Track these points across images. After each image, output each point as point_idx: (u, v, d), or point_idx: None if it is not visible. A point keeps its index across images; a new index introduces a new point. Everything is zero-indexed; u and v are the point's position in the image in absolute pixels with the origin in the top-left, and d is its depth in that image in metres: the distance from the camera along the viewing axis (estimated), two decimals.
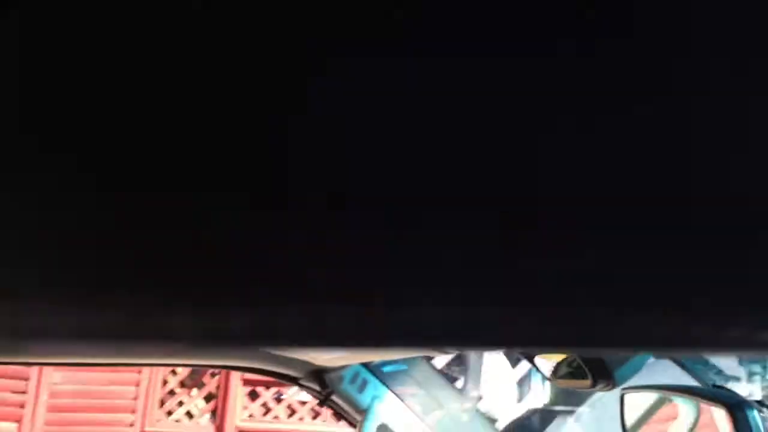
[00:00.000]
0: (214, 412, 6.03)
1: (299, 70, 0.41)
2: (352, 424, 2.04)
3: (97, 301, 0.40)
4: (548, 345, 0.72)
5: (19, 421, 5.78)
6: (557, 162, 0.41)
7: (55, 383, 5.89)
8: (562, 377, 1.35)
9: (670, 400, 1.51)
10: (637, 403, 1.59)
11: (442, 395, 4.70)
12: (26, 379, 5.80)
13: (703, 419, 1.39)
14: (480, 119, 0.41)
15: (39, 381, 5.84)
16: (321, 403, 1.89)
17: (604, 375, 1.23)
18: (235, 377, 5.91)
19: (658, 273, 0.41)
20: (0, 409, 5.73)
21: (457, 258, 0.40)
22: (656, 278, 0.41)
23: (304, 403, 5.85)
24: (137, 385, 6.02)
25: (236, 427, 5.91)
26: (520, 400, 5.71)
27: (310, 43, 0.41)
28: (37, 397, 5.83)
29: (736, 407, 1.19)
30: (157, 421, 6.01)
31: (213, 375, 6.04)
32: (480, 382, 5.53)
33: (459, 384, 5.44)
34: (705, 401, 1.33)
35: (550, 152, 0.41)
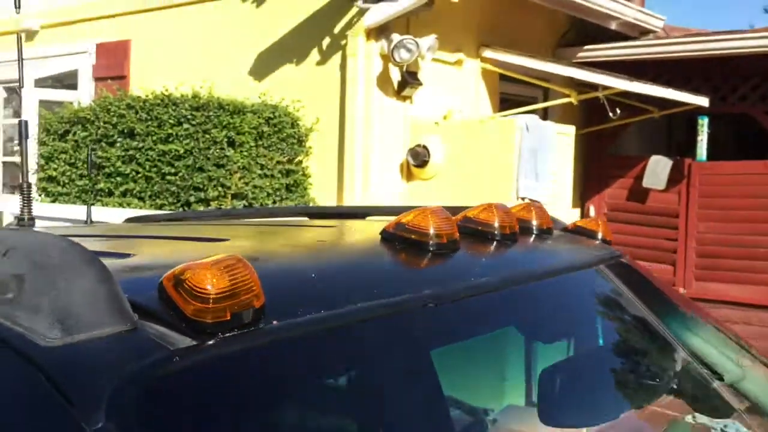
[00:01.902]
0: None
1: None
2: None
3: None
4: None
5: (673, 264, 6.83)
6: None
7: (700, 232, 6.71)
8: None
9: None
10: None
11: None
12: (675, 228, 6.79)
13: None
14: None
15: (687, 230, 6.74)
16: None
17: None
18: None
19: None
20: (656, 254, 6.89)
21: None
22: None
23: None
24: None
25: None
26: None
27: None
28: (686, 243, 6.76)
29: None
30: None
31: None
32: None
33: None
34: None
35: None
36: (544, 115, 6.95)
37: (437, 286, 1.14)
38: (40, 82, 7.13)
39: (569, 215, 5.80)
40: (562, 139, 5.69)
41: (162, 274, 0.92)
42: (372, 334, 1.02)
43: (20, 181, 2.20)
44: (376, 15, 5.12)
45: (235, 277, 0.91)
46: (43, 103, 6.92)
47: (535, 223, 1.66)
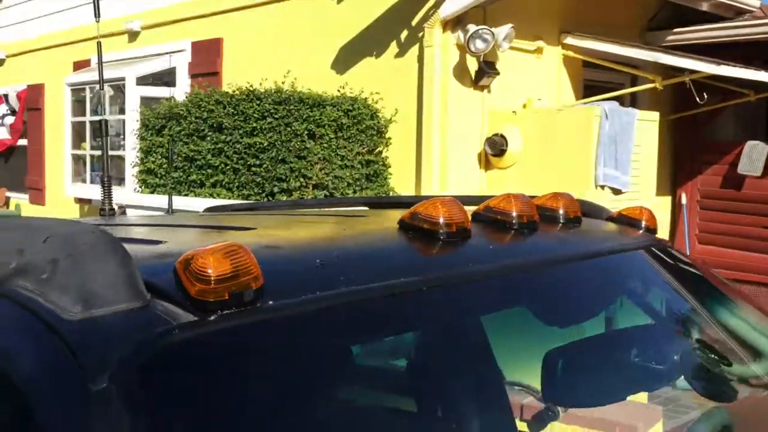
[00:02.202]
0: None
1: None
2: None
3: None
4: None
5: None
6: None
7: None
8: None
9: None
10: None
11: None
12: None
13: None
14: None
15: None
16: None
17: None
18: None
19: None
20: (752, 242, 6.60)
21: None
22: None
23: None
24: None
25: None
26: None
27: None
28: None
29: None
30: None
31: None
32: None
33: None
34: None
35: None
36: (633, 101, 6.79)
37: (435, 271, 1.23)
38: (141, 80, 7.57)
39: (653, 203, 5.67)
40: (645, 125, 5.56)
41: (176, 260, 1.05)
42: (364, 314, 1.12)
43: (103, 175, 2.42)
44: (452, 6, 5.17)
45: (236, 261, 1.03)
46: (144, 100, 7.37)
47: (561, 212, 1.71)
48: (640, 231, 2.00)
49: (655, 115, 5.76)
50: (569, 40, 6.01)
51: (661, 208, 7.22)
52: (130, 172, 6.78)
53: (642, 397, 3.22)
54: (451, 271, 1.25)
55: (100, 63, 2.41)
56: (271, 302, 1.05)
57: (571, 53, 6.07)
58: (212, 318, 1.01)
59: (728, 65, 5.38)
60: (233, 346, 1.03)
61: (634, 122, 5.41)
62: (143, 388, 0.92)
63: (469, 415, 1.59)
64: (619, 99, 6.17)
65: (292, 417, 1.03)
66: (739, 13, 6.79)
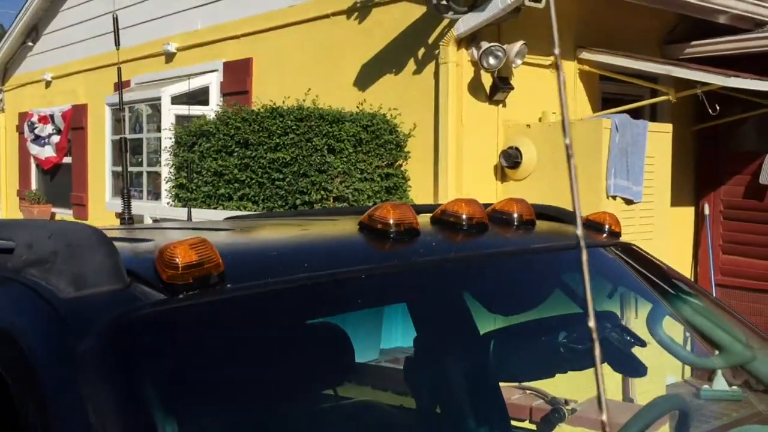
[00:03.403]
0: None
1: None
2: None
3: None
4: None
5: None
6: None
7: None
8: None
9: None
10: None
11: None
12: None
13: None
14: None
15: None
16: None
17: None
18: None
19: None
20: None
21: None
22: None
23: None
24: None
25: None
26: None
27: None
28: None
29: None
30: None
31: None
32: None
33: None
34: None
35: None
36: (653, 114, 6.89)
37: (379, 262, 1.43)
38: (176, 99, 7.94)
39: (666, 214, 5.77)
40: (658, 136, 5.68)
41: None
42: (307, 298, 1.34)
43: (122, 188, 2.69)
44: (465, 25, 5.39)
45: (200, 252, 1.26)
46: (179, 118, 7.73)
47: (515, 215, 1.90)
48: (604, 234, 2.17)
49: (667, 127, 5.87)
50: (585, 54, 6.17)
51: (684, 220, 7.28)
52: (164, 187, 7.13)
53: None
54: (390, 261, 1.46)
55: (120, 87, 2.67)
56: (229, 285, 1.27)
57: (586, 67, 6.22)
58: (179, 297, 1.24)
59: (738, 77, 5.48)
60: (196, 320, 1.26)
61: (646, 134, 5.53)
62: (118, 349, 1.15)
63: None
64: (639, 111, 6.29)
65: (242, 379, 1.25)
66: (759, 25, 6.85)
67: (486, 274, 1.63)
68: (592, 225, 2.21)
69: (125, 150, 2.70)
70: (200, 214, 5.35)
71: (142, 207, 7.84)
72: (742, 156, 7.19)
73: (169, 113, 7.73)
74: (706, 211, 7.43)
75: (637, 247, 2.26)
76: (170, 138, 7.03)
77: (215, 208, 6.13)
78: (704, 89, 5.71)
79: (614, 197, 5.37)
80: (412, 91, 5.87)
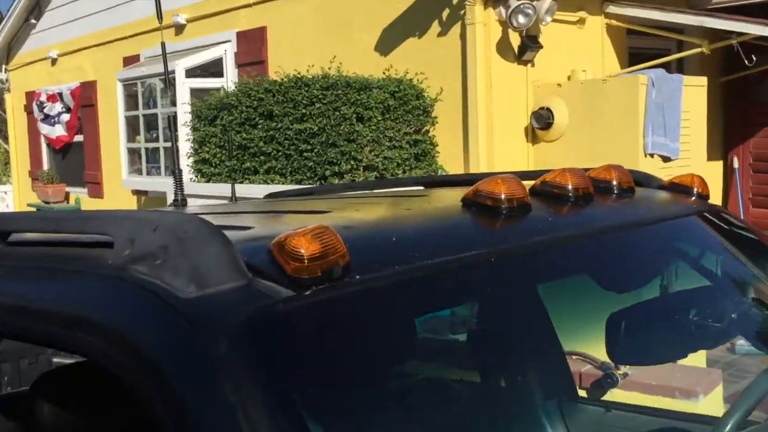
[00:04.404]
0: None
1: None
2: None
3: None
4: None
5: None
6: None
7: None
8: None
9: None
10: None
11: None
12: None
13: None
14: None
15: None
16: None
17: None
18: None
19: None
20: None
21: None
22: None
23: None
24: None
25: None
26: None
27: None
28: None
29: None
30: None
31: None
32: None
33: None
34: None
35: None
36: (679, 67, 6.72)
37: (501, 244, 1.33)
38: (190, 72, 7.78)
39: (704, 168, 5.65)
40: (693, 90, 5.53)
41: (270, 242, 1.18)
42: (442, 285, 1.24)
43: (173, 167, 2.58)
44: None
45: (324, 242, 1.16)
46: (194, 92, 7.58)
47: (614, 183, 1.79)
48: (692, 197, 2.07)
49: (702, 80, 5.72)
50: (611, 8, 5.99)
51: (712, 173, 7.16)
52: (185, 162, 7.01)
53: (701, 361, 3.27)
54: (514, 243, 1.36)
55: (165, 60, 2.54)
56: (358, 277, 1.17)
57: (614, 22, 6.04)
58: (307, 293, 1.14)
59: None
60: (327, 317, 1.16)
61: (681, 88, 5.39)
62: (255, 354, 1.06)
63: (532, 381, 1.70)
64: (666, 65, 6.12)
65: (379, 379, 1.16)
66: None
67: (606, 250, 1.54)
68: (681, 188, 2.10)
69: (175, 128, 2.58)
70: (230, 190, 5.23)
71: (160, 183, 7.72)
72: None
73: (183, 87, 7.58)
74: (735, 164, 7.31)
75: (725, 210, 2.16)
76: (187, 113, 6.89)
77: (241, 182, 6.02)
78: (739, 39, 5.54)
79: (652, 155, 5.24)
80: (438, 53, 5.71)
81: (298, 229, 1.17)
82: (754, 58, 5.74)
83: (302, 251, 1.14)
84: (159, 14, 2.59)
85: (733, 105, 7.23)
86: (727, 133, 7.29)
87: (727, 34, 5.67)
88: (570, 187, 1.62)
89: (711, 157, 6.91)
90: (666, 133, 5.26)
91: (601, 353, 2.31)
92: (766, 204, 7.12)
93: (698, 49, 5.82)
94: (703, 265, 1.76)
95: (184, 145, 6.98)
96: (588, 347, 2.22)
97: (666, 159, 5.35)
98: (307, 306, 1.13)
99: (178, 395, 1.03)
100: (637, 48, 6.54)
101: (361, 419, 1.15)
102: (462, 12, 5.53)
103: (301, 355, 1.12)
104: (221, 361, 1.03)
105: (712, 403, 3.28)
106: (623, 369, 2.49)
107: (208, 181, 6.48)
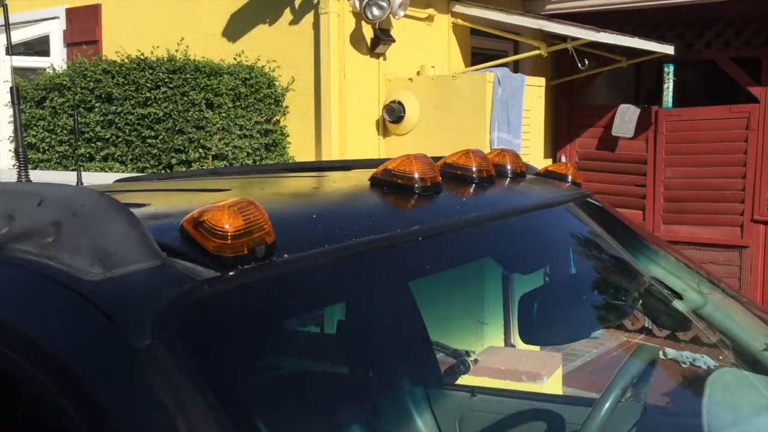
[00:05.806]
0: None
1: None
2: None
3: None
4: None
5: (642, 209, 7.07)
6: None
7: (667, 177, 6.94)
8: None
9: None
10: None
11: None
12: (644, 174, 7.02)
13: None
14: None
15: (655, 176, 6.97)
16: None
17: None
18: None
19: None
20: (626, 199, 7.11)
21: None
22: None
23: None
24: (743, 177, 6.53)
25: None
26: None
27: None
28: (654, 189, 7.00)
29: None
30: None
31: None
32: None
33: None
34: None
35: None
36: (515, 68, 7.07)
37: (422, 223, 1.29)
38: (13, 50, 7.07)
39: (541, 165, 5.97)
40: (533, 90, 5.83)
41: (180, 219, 1.05)
42: (366, 265, 1.17)
43: (16, 148, 2.29)
44: None
45: (248, 217, 1.05)
46: (17, 71, 6.89)
47: (509, 167, 1.82)
48: (567, 184, 2.16)
49: (541, 81, 6.05)
50: (457, 7, 6.17)
51: None
52: (6, 147, 6.36)
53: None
54: (441, 220, 1.32)
55: (8, 29, 2.25)
56: (286, 255, 1.08)
57: (459, 21, 6.24)
58: (233, 273, 1.03)
59: (606, 32, 5.72)
60: (254, 299, 1.06)
61: (523, 87, 5.66)
62: (182, 342, 0.93)
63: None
64: (505, 66, 6.41)
65: (312, 357, 1.08)
66: None
67: (509, 232, 1.54)
68: (557, 176, 2.18)
69: (17, 102, 2.29)
70: (64, 178, 4.80)
71: None
72: (595, 109, 7.61)
73: (3, 64, 6.86)
74: (563, 161, 7.83)
75: (593, 198, 2.27)
76: (8, 92, 6.24)
77: (73, 170, 5.55)
78: (574, 44, 5.92)
79: None
80: (291, 43, 5.60)
81: (217, 204, 1.06)
82: (587, 62, 6.16)
83: (226, 227, 1.03)
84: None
85: (560, 107, 7.74)
86: (556, 132, 7.78)
87: (560, 39, 6.05)
88: (474, 169, 1.61)
89: (543, 154, 7.34)
90: (510, 130, 5.50)
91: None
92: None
93: (536, 52, 6.15)
94: (597, 245, 1.83)
95: (6, 129, 6.34)
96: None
97: None
98: (235, 288, 1.02)
99: (91, 399, 0.89)
100: (479, 48, 6.80)
101: (295, 406, 1.06)
102: (315, 1, 5.46)
103: (231, 342, 1.01)
104: (149, 354, 0.90)
105: (555, 385, 3.47)
106: (474, 356, 2.57)
107: (34, 168, 5.92)
